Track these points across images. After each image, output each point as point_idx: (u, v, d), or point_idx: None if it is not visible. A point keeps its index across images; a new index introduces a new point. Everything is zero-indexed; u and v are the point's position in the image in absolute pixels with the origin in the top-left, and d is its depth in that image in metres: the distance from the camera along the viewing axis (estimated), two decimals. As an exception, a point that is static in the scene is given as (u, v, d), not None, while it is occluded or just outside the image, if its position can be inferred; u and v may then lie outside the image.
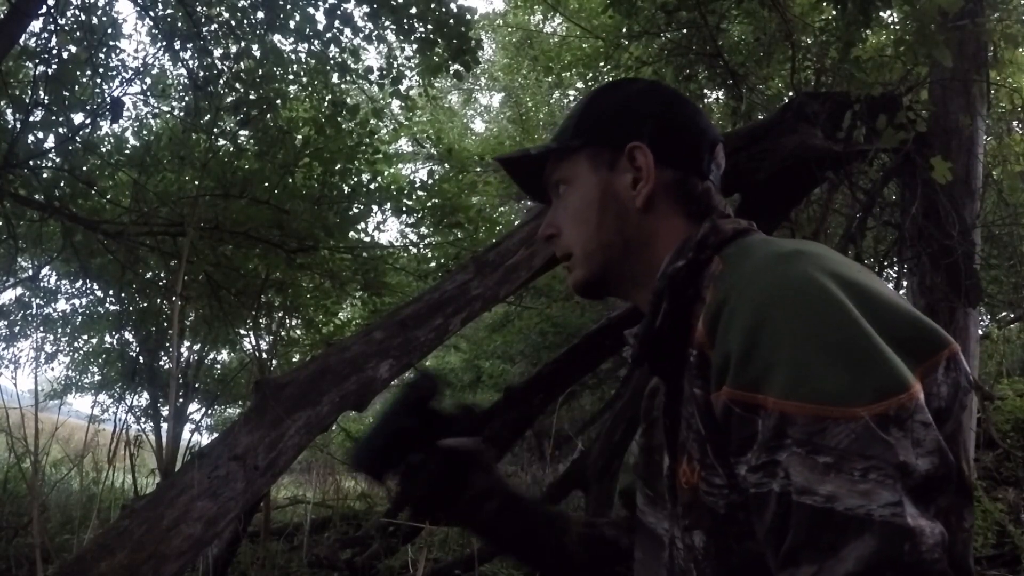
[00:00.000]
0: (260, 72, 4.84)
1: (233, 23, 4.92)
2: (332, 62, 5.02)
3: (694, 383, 0.72)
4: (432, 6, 4.38)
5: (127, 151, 5.19)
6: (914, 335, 0.65)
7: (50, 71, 4.22)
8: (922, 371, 0.64)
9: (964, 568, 0.66)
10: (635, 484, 0.98)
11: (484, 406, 3.64)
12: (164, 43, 4.92)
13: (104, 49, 4.76)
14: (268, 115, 4.79)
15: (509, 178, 1.02)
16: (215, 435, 3.42)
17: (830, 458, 0.59)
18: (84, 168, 4.65)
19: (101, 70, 4.77)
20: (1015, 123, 4.82)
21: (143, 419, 6.65)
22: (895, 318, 0.66)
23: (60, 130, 4.31)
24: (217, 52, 4.87)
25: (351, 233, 5.66)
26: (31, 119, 4.12)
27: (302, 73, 5.30)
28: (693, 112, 0.90)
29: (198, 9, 4.74)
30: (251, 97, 4.69)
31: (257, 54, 4.90)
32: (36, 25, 4.25)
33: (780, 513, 0.62)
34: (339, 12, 4.55)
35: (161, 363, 6.78)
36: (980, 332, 4.76)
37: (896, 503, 0.58)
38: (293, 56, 5.10)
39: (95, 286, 6.09)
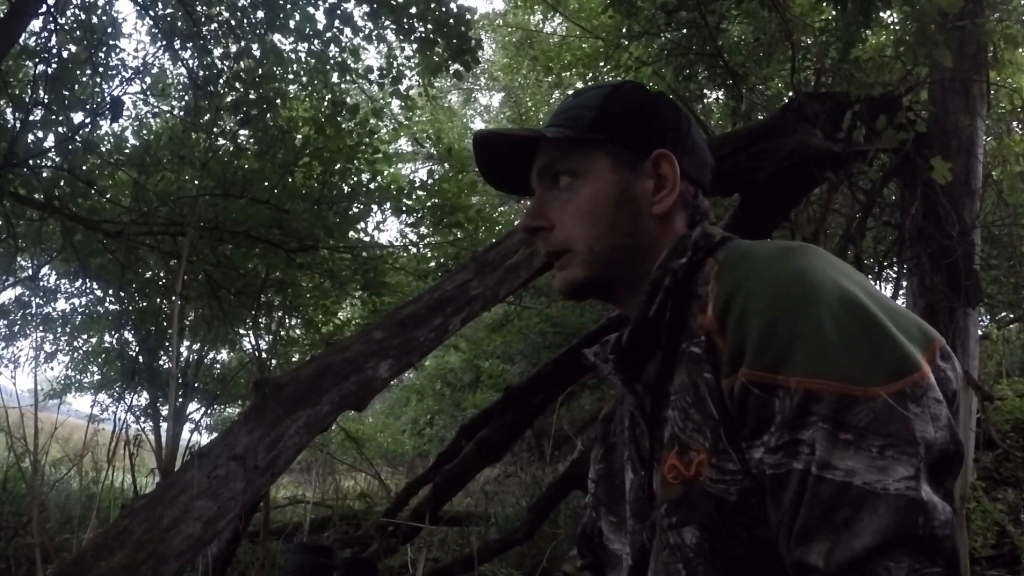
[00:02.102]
0: (260, 72, 4.83)
1: (233, 23, 4.91)
2: (332, 62, 5.02)
3: (700, 372, 0.73)
4: (432, 6, 4.37)
5: (127, 151, 5.18)
6: (912, 326, 0.68)
7: (50, 70, 4.22)
8: (927, 358, 0.66)
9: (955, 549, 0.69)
10: (592, 522, 1.01)
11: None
12: (164, 43, 4.92)
13: (104, 49, 4.76)
14: (268, 115, 4.79)
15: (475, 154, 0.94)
16: (215, 435, 3.42)
17: (851, 435, 0.61)
18: (84, 168, 4.64)
19: (101, 70, 4.77)
20: (1015, 123, 4.82)
21: (143, 419, 6.64)
22: (895, 309, 0.69)
23: (60, 130, 4.31)
24: (217, 52, 4.87)
25: (351, 233, 5.66)
26: (31, 118, 4.12)
27: (302, 73, 5.29)
28: (699, 131, 0.92)
29: (198, 9, 4.74)
30: (251, 97, 4.69)
31: (257, 54, 4.90)
32: (36, 24, 4.25)
33: (800, 491, 0.63)
34: (339, 12, 4.55)
35: (161, 363, 6.78)
36: (980, 332, 4.76)
37: (911, 477, 0.60)
38: (293, 56, 5.10)
39: (95, 286, 6.09)
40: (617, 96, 0.88)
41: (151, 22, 4.91)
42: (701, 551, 0.72)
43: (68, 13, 4.64)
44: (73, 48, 4.56)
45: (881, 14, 3.96)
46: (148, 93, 5.56)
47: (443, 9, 4.39)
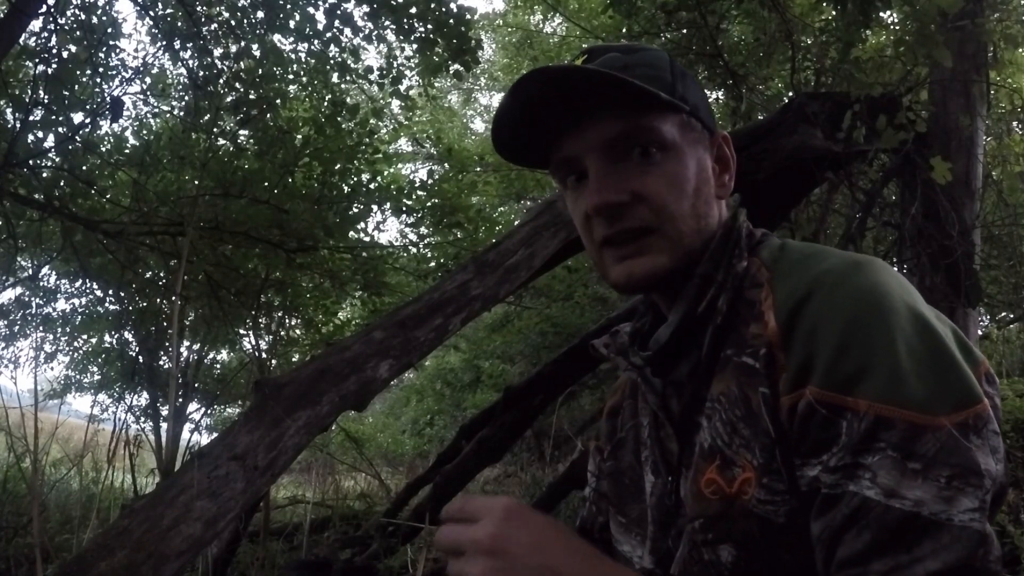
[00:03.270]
0: (260, 72, 4.84)
1: (233, 23, 4.92)
2: (332, 62, 5.02)
3: (754, 385, 0.69)
4: (432, 6, 4.37)
5: (127, 151, 5.18)
6: (963, 348, 0.67)
7: (50, 71, 4.22)
8: (978, 374, 0.66)
9: None
10: (592, 517, 0.96)
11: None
12: (164, 43, 4.92)
13: (104, 49, 4.76)
14: (268, 115, 4.80)
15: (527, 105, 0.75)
16: (215, 435, 3.42)
17: (919, 464, 0.60)
18: (84, 168, 4.65)
19: (101, 70, 4.77)
20: (1015, 123, 4.83)
21: (143, 419, 6.64)
22: (952, 330, 0.68)
23: (60, 130, 4.31)
24: (217, 52, 4.87)
25: (351, 233, 5.66)
26: (31, 119, 4.12)
27: (302, 73, 5.30)
28: None
29: (198, 9, 4.74)
30: (251, 97, 4.69)
31: (257, 54, 4.90)
32: (36, 25, 4.25)
33: (850, 514, 0.62)
34: (339, 12, 4.55)
35: (161, 363, 6.77)
36: (980, 332, 4.75)
37: (976, 509, 0.60)
38: (293, 56, 5.10)
39: (95, 286, 6.08)
40: (676, 66, 0.79)
41: (151, 22, 4.91)
42: (737, 570, 0.70)
43: (68, 13, 4.64)
44: (73, 48, 4.56)
45: (881, 14, 3.96)
46: (148, 93, 5.56)
47: (443, 9, 4.39)
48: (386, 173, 6.40)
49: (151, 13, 4.84)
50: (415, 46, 4.72)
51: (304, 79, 5.36)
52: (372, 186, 5.71)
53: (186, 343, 6.80)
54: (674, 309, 0.77)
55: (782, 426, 0.67)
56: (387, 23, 4.68)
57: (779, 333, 0.67)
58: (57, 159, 4.43)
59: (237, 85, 4.73)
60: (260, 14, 4.79)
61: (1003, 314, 6.56)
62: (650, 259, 0.76)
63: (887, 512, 0.60)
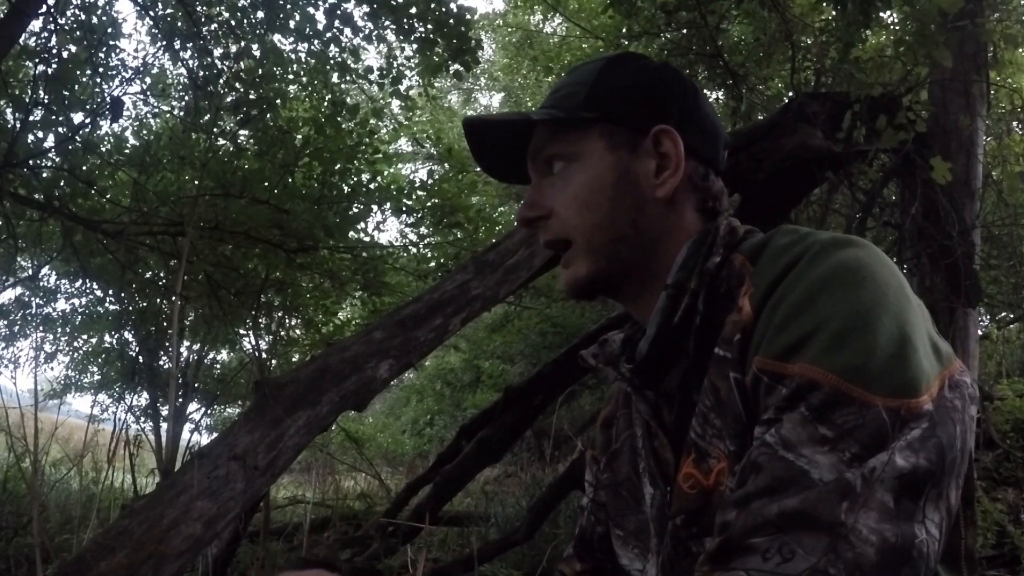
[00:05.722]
0: (260, 72, 4.84)
1: (233, 23, 4.92)
2: (332, 62, 5.02)
3: (724, 373, 0.68)
4: (432, 6, 4.38)
5: (127, 151, 5.18)
6: (933, 343, 0.64)
7: (50, 71, 4.22)
8: (937, 383, 0.61)
9: (971, 558, 0.66)
10: (591, 526, 0.96)
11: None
12: (164, 43, 4.92)
13: (104, 49, 4.76)
14: (268, 115, 4.79)
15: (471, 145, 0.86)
16: (215, 435, 3.42)
17: (831, 432, 0.58)
18: (84, 168, 4.64)
19: (101, 70, 4.78)
20: (1015, 123, 4.83)
21: (143, 419, 6.65)
22: (925, 320, 0.65)
23: (60, 130, 4.31)
24: (217, 52, 4.88)
25: (351, 233, 5.66)
26: (31, 119, 4.12)
27: (302, 73, 5.30)
28: (708, 103, 0.84)
29: (198, 9, 4.74)
30: (251, 97, 4.69)
31: (257, 54, 4.90)
32: (36, 25, 4.25)
33: (753, 460, 0.61)
34: (339, 12, 4.56)
35: (161, 363, 6.78)
36: (980, 332, 4.76)
37: (851, 481, 0.57)
38: (293, 56, 5.10)
39: (95, 286, 6.09)
40: (612, 70, 0.80)
41: (151, 22, 4.91)
42: None
43: (68, 13, 4.64)
44: (73, 48, 4.56)
45: (881, 14, 3.96)
46: (148, 93, 5.56)
47: (443, 9, 4.39)
48: (386, 173, 6.40)
49: (151, 13, 4.84)
50: (415, 46, 4.72)
51: (304, 79, 5.36)
52: (372, 186, 5.70)
53: (186, 343, 6.80)
54: (651, 321, 0.76)
55: (751, 408, 0.66)
56: (387, 23, 4.68)
57: (753, 317, 0.66)
58: (57, 159, 4.43)
59: (237, 85, 4.73)
60: (260, 14, 4.79)
61: (1003, 314, 6.56)
62: (572, 271, 0.79)
63: (776, 460, 0.58)
